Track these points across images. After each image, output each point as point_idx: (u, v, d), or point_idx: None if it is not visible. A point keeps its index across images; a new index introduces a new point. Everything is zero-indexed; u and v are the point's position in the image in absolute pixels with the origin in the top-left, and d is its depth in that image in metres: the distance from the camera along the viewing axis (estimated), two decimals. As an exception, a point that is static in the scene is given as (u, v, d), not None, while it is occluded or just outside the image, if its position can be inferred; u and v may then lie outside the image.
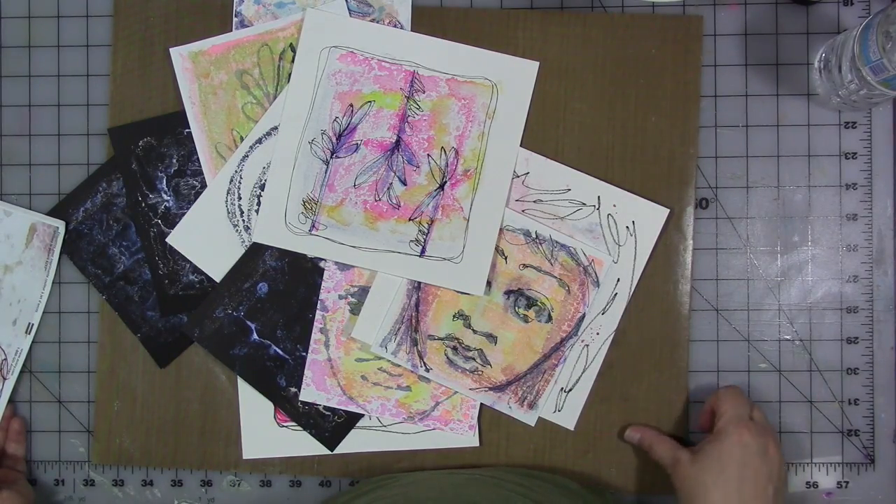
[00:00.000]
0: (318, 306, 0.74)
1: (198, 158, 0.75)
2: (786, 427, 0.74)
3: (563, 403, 0.73)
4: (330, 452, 0.75)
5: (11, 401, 0.77)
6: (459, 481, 0.70)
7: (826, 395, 0.74)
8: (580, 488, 0.72)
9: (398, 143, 0.74)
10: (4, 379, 0.76)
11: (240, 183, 0.75)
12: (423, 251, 0.74)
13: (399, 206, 0.74)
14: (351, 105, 0.74)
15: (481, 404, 0.74)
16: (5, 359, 0.75)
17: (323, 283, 0.74)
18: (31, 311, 0.76)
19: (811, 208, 0.74)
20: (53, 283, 0.77)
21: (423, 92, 0.74)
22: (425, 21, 0.75)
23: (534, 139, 0.74)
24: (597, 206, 0.73)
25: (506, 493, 0.67)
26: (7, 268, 0.75)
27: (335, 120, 0.74)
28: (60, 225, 0.75)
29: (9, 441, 0.76)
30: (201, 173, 0.75)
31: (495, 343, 0.73)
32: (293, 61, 0.74)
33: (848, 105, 0.71)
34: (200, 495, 0.77)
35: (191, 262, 0.75)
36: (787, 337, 0.74)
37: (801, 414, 0.74)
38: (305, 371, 0.74)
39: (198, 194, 0.75)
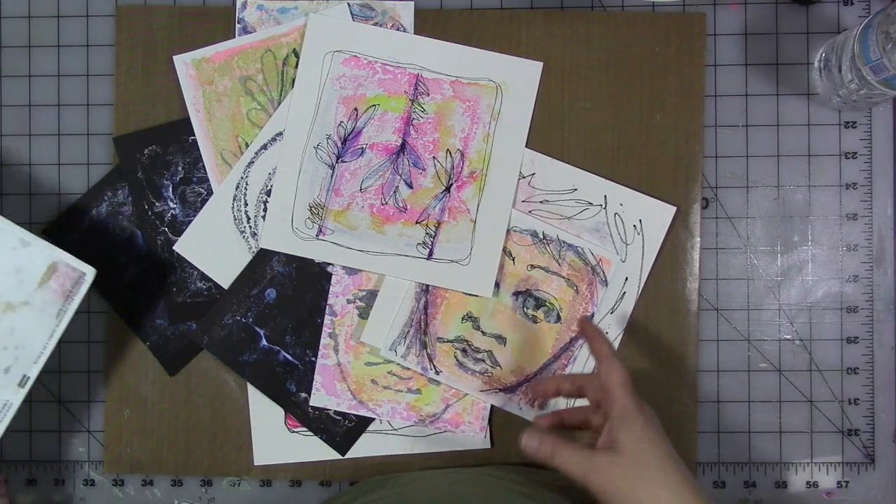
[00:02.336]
0: (327, 311, 0.74)
1: (203, 165, 0.75)
2: (786, 427, 0.75)
3: (573, 403, 0.74)
4: (341, 457, 0.75)
5: None
6: (457, 481, 0.71)
7: (826, 394, 0.75)
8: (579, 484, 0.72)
9: (403, 146, 0.74)
10: None
11: (246, 189, 0.75)
12: (430, 254, 0.74)
13: (406, 209, 0.74)
14: (355, 109, 0.74)
15: (492, 406, 0.74)
16: None
17: (331, 288, 0.74)
18: (29, 363, 0.64)
19: (811, 208, 0.75)
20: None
21: (428, 94, 0.74)
22: (428, 24, 0.75)
23: (539, 140, 0.74)
24: (603, 206, 0.74)
25: (502, 491, 0.67)
26: (9, 306, 0.64)
27: (340, 124, 0.74)
28: (90, 272, 0.64)
29: None
30: (207, 180, 0.75)
31: (504, 344, 0.74)
32: (297, 67, 0.74)
33: (848, 105, 0.72)
34: (200, 495, 0.77)
35: (198, 270, 0.75)
36: (787, 337, 0.75)
37: (801, 414, 0.75)
38: (315, 376, 0.74)
39: (204, 201, 0.75)
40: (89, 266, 0.64)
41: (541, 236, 0.74)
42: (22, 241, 0.64)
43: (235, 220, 0.75)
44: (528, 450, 0.59)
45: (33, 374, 0.65)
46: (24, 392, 0.65)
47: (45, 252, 0.64)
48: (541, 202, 0.74)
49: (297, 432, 0.75)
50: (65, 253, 0.65)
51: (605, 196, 0.74)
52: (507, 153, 0.74)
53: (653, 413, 0.57)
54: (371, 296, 0.74)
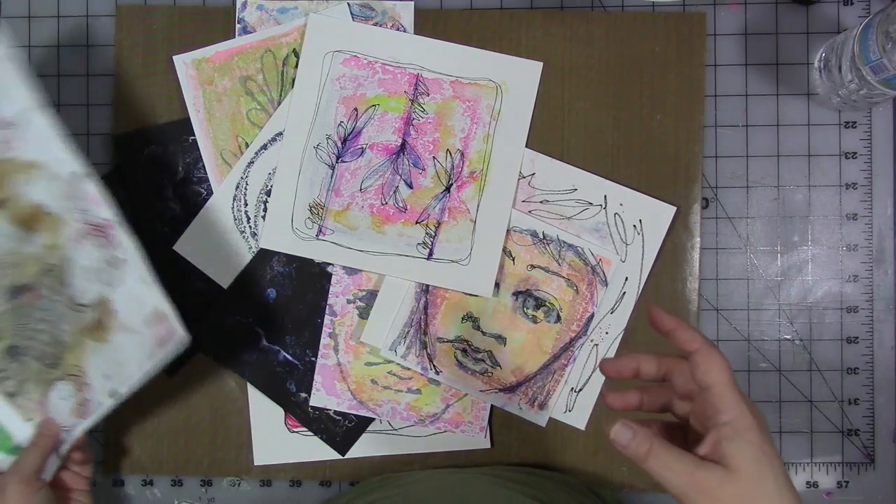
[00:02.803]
0: (327, 311, 0.74)
1: (203, 165, 0.75)
2: (786, 427, 0.75)
3: (573, 403, 0.74)
4: (341, 457, 0.75)
5: None
6: (459, 480, 0.71)
7: (826, 394, 0.75)
8: (581, 484, 0.72)
9: (403, 146, 0.74)
10: (81, 418, 0.67)
11: (246, 189, 0.75)
12: (430, 254, 0.74)
13: (406, 209, 0.74)
14: (355, 109, 0.74)
15: (492, 406, 0.74)
16: (90, 400, 0.67)
17: (331, 288, 0.74)
18: (121, 381, 0.66)
19: (811, 208, 0.75)
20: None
21: (428, 94, 0.74)
22: (428, 24, 0.75)
23: (539, 140, 0.74)
24: (603, 206, 0.74)
25: (505, 491, 0.67)
26: (125, 327, 0.66)
27: (340, 124, 0.74)
28: (183, 338, 0.65)
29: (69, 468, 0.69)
30: (207, 180, 0.75)
31: (504, 344, 0.74)
32: (297, 67, 0.74)
33: (848, 105, 0.72)
34: (200, 495, 0.77)
35: (198, 270, 0.75)
36: (787, 337, 0.75)
37: (801, 414, 0.75)
38: (315, 376, 0.74)
39: (204, 201, 0.75)
40: (186, 333, 0.65)
41: (541, 236, 0.74)
42: (143, 279, 0.65)
43: (235, 220, 0.75)
44: (618, 441, 0.48)
45: (123, 391, 0.66)
46: (111, 402, 0.67)
47: (158, 298, 0.65)
48: (541, 202, 0.74)
49: (297, 432, 0.75)
50: (172, 309, 0.65)
51: (605, 196, 0.74)
52: (507, 153, 0.74)
53: (764, 418, 0.48)
54: (371, 296, 0.74)
